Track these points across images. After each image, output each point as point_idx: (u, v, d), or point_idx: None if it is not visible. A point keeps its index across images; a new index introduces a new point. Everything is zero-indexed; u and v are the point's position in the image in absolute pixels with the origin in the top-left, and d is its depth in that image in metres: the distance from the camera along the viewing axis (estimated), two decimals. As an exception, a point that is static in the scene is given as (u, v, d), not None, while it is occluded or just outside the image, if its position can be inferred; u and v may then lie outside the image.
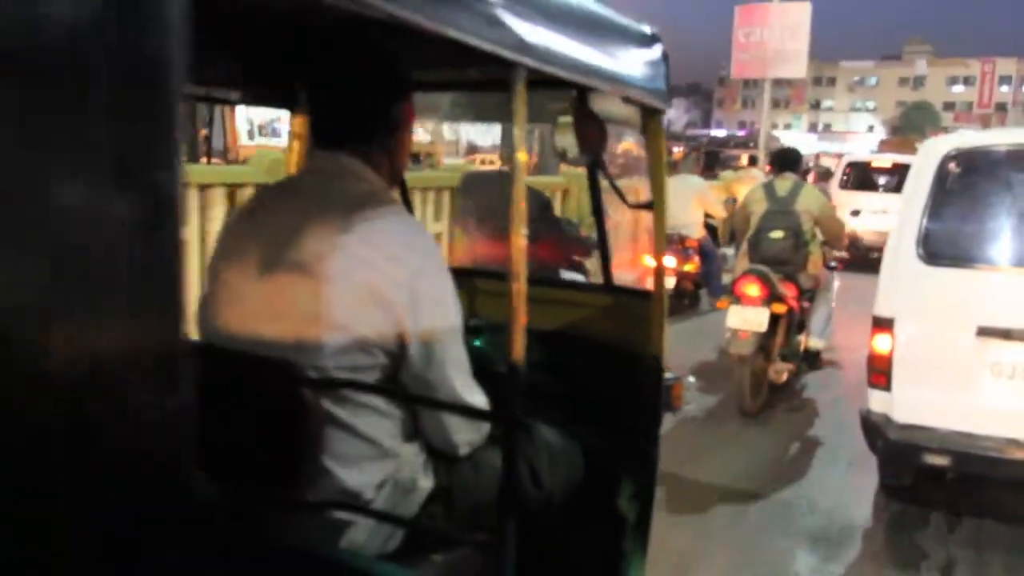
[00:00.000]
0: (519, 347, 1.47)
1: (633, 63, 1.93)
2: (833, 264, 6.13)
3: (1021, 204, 3.76)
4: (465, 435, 1.70)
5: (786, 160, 6.15)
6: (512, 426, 1.50)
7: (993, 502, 4.11)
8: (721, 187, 12.22)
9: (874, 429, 3.80)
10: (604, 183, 2.46)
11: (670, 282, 7.65)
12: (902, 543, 3.85)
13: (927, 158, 3.93)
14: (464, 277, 1.76)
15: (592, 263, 5.62)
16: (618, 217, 7.82)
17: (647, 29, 2.02)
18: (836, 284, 6.76)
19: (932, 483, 4.04)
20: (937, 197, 3.80)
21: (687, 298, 8.68)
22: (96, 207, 0.68)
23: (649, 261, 7.99)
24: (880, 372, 3.78)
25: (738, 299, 5.41)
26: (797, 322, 5.87)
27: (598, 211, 2.55)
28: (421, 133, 18.44)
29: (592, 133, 2.16)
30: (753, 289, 5.37)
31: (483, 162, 20.90)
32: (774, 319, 5.46)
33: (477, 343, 2.17)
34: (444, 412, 1.66)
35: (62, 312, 0.67)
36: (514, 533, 1.48)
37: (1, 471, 0.65)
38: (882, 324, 3.76)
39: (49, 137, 0.65)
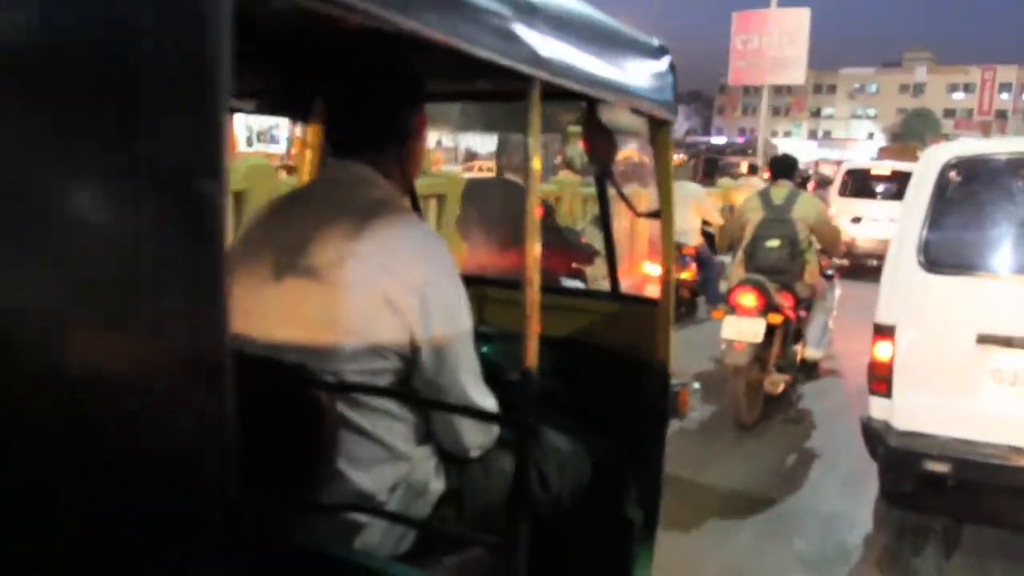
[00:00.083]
0: (532, 354, 1.50)
1: (642, 75, 1.96)
2: (829, 272, 6.07)
3: (1021, 212, 3.79)
4: (476, 438, 1.73)
5: (782, 167, 6.08)
6: (525, 431, 1.52)
7: (994, 509, 4.12)
8: (719, 194, 12.24)
9: (875, 436, 3.81)
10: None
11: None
12: (902, 551, 3.86)
13: (928, 166, 3.95)
14: (473, 285, 1.79)
15: (592, 270, 5.63)
16: (615, 224, 7.81)
17: (655, 41, 2.05)
18: (837, 292, 6.73)
19: (933, 490, 4.05)
20: (938, 205, 3.82)
21: (684, 306, 8.59)
22: (145, 215, 0.70)
23: (648, 268, 8.02)
24: (881, 379, 3.80)
25: (733, 309, 5.31)
26: (794, 332, 5.78)
27: (606, 220, 2.58)
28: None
29: (601, 144, 2.19)
30: (749, 299, 5.28)
31: (480, 169, 20.90)
32: (770, 329, 5.37)
33: (485, 350, 2.20)
34: (455, 415, 1.69)
35: (113, 317, 0.69)
36: (527, 536, 1.51)
37: (65, 471, 0.68)
38: (883, 331, 3.78)
39: (100, 146, 0.68)
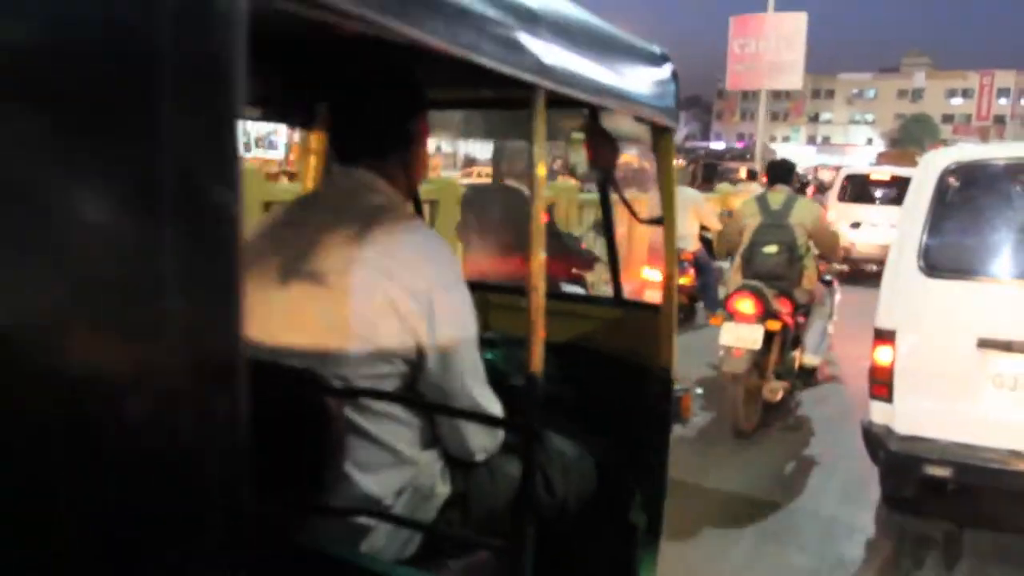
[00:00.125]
0: (537, 359, 1.50)
1: (645, 82, 1.97)
2: (828, 278, 6.04)
3: (1020, 217, 3.80)
4: (481, 442, 1.74)
5: (779, 172, 6.00)
6: (530, 435, 1.53)
7: (995, 513, 4.12)
8: (717, 199, 12.26)
9: (875, 440, 3.82)
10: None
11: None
12: (903, 557, 3.87)
13: (927, 172, 3.97)
14: (476, 291, 1.80)
15: (592, 276, 5.62)
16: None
17: (657, 49, 2.06)
18: (838, 297, 6.71)
19: (934, 494, 4.05)
20: (937, 210, 3.84)
21: (682, 312, 8.55)
22: (160, 224, 0.71)
23: (647, 274, 8.03)
24: (881, 383, 3.80)
25: (732, 316, 5.26)
26: (792, 338, 5.72)
27: (608, 226, 2.60)
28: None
29: (604, 150, 2.21)
30: (747, 306, 5.22)
31: (479, 175, 20.91)
32: (768, 336, 5.31)
33: (489, 356, 2.21)
34: (461, 419, 1.70)
35: (134, 322, 0.71)
36: (532, 539, 1.51)
37: (84, 473, 0.69)
38: (883, 336, 3.79)
39: (114, 155, 0.68)
